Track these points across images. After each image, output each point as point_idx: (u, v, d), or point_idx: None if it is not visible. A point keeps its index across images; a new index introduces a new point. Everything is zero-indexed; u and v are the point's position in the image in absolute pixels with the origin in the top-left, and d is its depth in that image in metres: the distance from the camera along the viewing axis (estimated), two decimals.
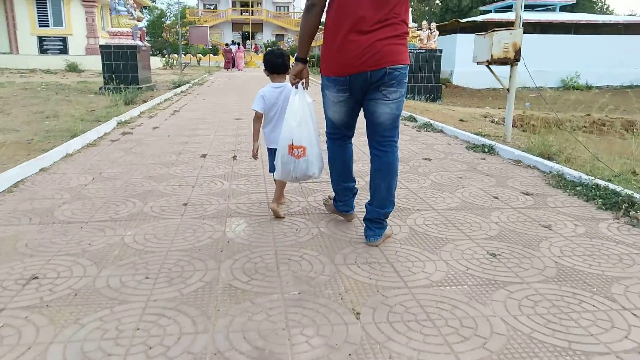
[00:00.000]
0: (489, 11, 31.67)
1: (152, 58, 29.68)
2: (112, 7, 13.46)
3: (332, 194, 3.17)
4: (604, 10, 44.26)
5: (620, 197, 3.41)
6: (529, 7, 28.64)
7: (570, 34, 23.78)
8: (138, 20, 14.18)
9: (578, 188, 3.78)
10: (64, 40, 22.19)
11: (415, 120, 7.88)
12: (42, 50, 21.71)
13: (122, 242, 2.72)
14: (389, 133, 2.66)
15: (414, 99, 15.53)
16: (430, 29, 16.23)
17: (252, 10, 52.31)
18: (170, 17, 52.74)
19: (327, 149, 2.96)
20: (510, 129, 6.17)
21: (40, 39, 21.80)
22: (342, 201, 3.09)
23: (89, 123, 6.94)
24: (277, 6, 56.29)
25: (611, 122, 12.22)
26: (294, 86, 2.78)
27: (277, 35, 53.48)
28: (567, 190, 3.79)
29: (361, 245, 2.68)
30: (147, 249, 2.62)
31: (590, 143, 5.77)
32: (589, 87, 21.91)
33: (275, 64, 3.16)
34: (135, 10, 14.02)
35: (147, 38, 48.91)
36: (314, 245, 2.68)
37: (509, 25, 12.05)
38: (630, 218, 3.17)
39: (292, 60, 2.85)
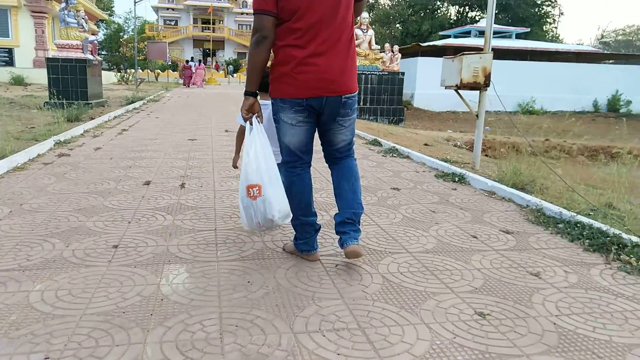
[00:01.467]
0: (448, 36, 32.41)
1: (106, 73, 28.66)
2: (61, 19, 12.68)
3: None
4: (555, 39, 46.30)
5: (608, 238, 3.11)
6: (484, 34, 29.44)
7: (526, 60, 24.48)
8: (93, 34, 13.43)
9: (560, 226, 3.47)
10: (9, 51, 20.94)
11: (380, 144, 7.56)
12: None
13: (26, 301, 2.15)
14: (346, 148, 2.82)
15: (376, 120, 15.37)
16: (393, 51, 16.21)
17: (213, 27, 51.76)
18: (128, 32, 51.47)
19: (285, 181, 2.59)
20: (479, 156, 5.91)
21: None
22: (302, 239, 2.72)
23: (24, 142, 6.23)
24: (239, 24, 55.99)
25: (570, 148, 12.40)
26: (247, 122, 2.53)
27: (239, 53, 53.09)
28: (549, 228, 3.47)
29: (326, 303, 2.22)
30: (57, 311, 2.07)
31: (556, 170, 5.58)
32: (544, 112, 22.53)
33: (263, 83, 2.97)
34: (86, 23, 13.27)
35: (104, 52, 47.67)
36: (268, 305, 2.20)
37: (468, 50, 12.10)
38: (622, 262, 2.86)
39: None
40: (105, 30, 50.17)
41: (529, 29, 34.28)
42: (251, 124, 2.51)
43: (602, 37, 68.34)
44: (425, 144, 9.18)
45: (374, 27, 41.86)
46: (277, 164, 2.56)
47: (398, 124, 15.68)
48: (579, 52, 27.82)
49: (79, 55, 12.31)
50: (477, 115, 5.85)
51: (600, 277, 2.65)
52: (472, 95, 5.88)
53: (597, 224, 3.37)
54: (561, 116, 22.27)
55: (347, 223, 2.63)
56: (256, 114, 2.52)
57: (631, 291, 2.48)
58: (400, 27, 43.72)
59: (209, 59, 48.99)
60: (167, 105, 14.85)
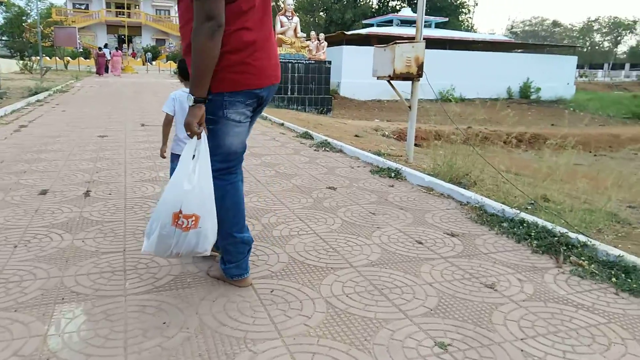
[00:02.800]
0: (371, 25, 32.71)
1: (6, 61, 25.91)
2: None
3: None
4: (470, 29, 48.37)
5: (556, 238, 2.98)
6: (406, 23, 30.01)
7: (445, 49, 25.20)
8: None
9: (504, 225, 3.31)
10: None
11: (311, 137, 7.22)
12: None
13: None
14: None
15: (305, 110, 15.03)
16: (319, 39, 15.91)
17: (128, 12, 48.74)
18: (32, 16, 47.07)
19: (218, 191, 2.15)
20: (412, 149, 5.74)
21: None
22: (235, 261, 2.29)
23: None
24: (157, 9, 53.27)
25: (490, 135, 12.79)
26: (195, 137, 2.03)
27: (157, 39, 50.55)
28: (494, 228, 3.30)
29: (262, 347, 1.83)
30: None
31: (480, 157, 5.52)
32: (462, 99, 23.37)
33: (182, 68, 2.89)
34: None
35: (4, 38, 43.20)
36: (189, 356, 1.77)
37: (394, 39, 12.04)
38: (573, 265, 2.72)
39: None
40: (4, 14, 45.48)
41: (447, 19, 35.46)
42: (199, 137, 2.02)
43: (512, 27, 72.51)
44: (356, 135, 8.98)
45: (298, 14, 41.45)
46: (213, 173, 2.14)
47: (326, 114, 15.45)
48: (494, 41, 29.15)
49: None
50: (409, 107, 5.66)
51: (555, 285, 2.47)
52: (403, 86, 5.69)
53: (541, 222, 3.25)
54: (478, 103, 23.32)
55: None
56: (202, 128, 2.03)
57: (589, 300, 2.32)
58: (323, 15, 43.61)
59: (125, 45, 46.08)
60: (77, 97, 13.56)
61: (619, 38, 72.75)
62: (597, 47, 73.57)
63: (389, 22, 31.86)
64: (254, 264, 2.57)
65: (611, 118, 21.38)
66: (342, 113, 17.93)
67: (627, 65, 61.58)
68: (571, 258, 2.77)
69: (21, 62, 23.31)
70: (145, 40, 50.27)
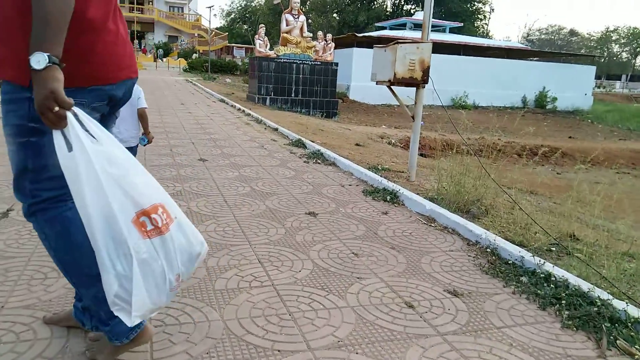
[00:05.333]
0: (384, 28, 31.95)
1: None
2: None
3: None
4: (486, 35, 47.39)
5: (594, 307, 2.20)
6: (419, 27, 29.19)
7: (459, 54, 24.35)
8: None
9: (524, 280, 2.54)
10: None
11: (304, 146, 6.47)
12: None
13: None
14: None
15: (309, 114, 14.31)
16: (326, 40, 15.18)
17: (141, 8, 48.46)
18: None
19: (54, 228, 1.54)
20: (414, 166, 4.97)
21: None
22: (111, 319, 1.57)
23: None
24: (170, 6, 52.96)
25: (503, 146, 11.94)
26: (61, 119, 1.31)
27: (170, 36, 50.22)
28: (511, 284, 2.53)
29: None
30: None
31: (495, 172, 4.74)
32: (475, 107, 22.51)
33: None
34: None
35: None
36: None
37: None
38: (620, 351, 1.95)
39: None
40: None
41: (462, 24, 34.60)
42: (63, 122, 1.29)
43: (528, 35, 71.42)
44: (357, 144, 8.21)
45: (310, 15, 40.79)
46: (30, 208, 1.46)
47: (332, 118, 14.72)
48: (510, 48, 28.20)
49: None
50: (412, 117, 4.90)
51: None
52: (408, 92, 4.94)
53: (573, 279, 2.47)
54: (492, 111, 22.41)
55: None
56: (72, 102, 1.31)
57: None
58: (337, 17, 42.95)
59: (137, 41, 45.78)
60: None
61: (638, 49, 71.20)
62: (615, 58, 72.07)
63: (402, 26, 31.07)
64: (169, 340, 1.83)
65: (632, 132, 20.38)
66: (350, 117, 17.18)
67: None
68: (618, 342, 2.00)
69: None
70: (158, 36, 49.94)
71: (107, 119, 1.71)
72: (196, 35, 47.55)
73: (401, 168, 5.54)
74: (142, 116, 3.37)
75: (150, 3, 50.90)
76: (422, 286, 2.46)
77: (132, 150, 3.44)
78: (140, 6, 48.11)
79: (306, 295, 2.27)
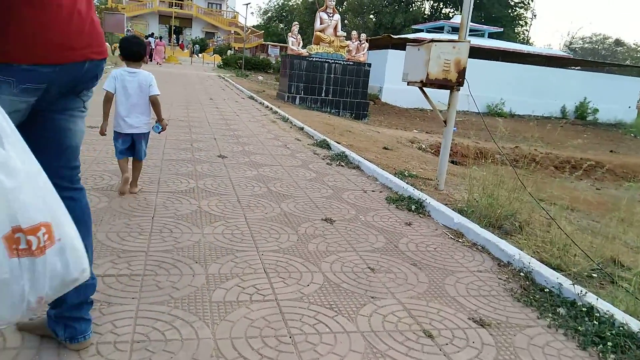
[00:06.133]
0: (421, 30, 31.38)
1: None
2: None
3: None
4: (526, 41, 46.08)
5: None
6: (457, 31, 28.54)
7: (497, 60, 23.64)
8: None
9: (561, 311, 2.22)
10: None
11: (329, 147, 6.23)
12: None
13: None
14: (78, 162, 1.68)
15: (339, 114, 14.05)
16: (360, 40, 14.90)
17: (180, 3, 49.17)
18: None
19: None
20: (444, 174, 4.65)
21: None
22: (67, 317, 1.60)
23: None
24: (208, 3, 53.56)
25: (541, 158, 11.40)
26: None
27: (207, 32, 50.79)
28: (546, 315, 2.22)
29: None
30: None
31: (532, 186, 4.37)
32: (512, 115, 21.80)
33: (132, 52, 3.25)
34: None
35: None
36: None
37: None
38: None
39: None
40: None
41: (502, 29, 33.67)
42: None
43: (571, 43, 69.28)
44: (385, 148, 7.91)
45: (346, 16, 40.48)
46: None
47: (361, 120, 14.42)
48: (550, 56, 27.25)
49: None
50: (445, 122, 4.59)
51: None
52: (440, 95, 4.64)
53: (619, 315, 2.14)
54: (529, 120, 21.62)
55: (87, 304, 1.65)
56: None
57: None
58: (373, 18, 42.54)
59: (174, 36, 46.47)
60: (102, 81, 13.06)
61: None
62: None
63: (440, 29, 30.43)
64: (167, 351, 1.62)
65: None
66: (380, 120, 16.83)
67: None
68: None
69: None
70: (195, 32, 50.59)
71: (67, 101, 1.52)
72: (232, 32, 47.95)
73: (430, 175, 5.23)
74: (154, 103, 3.40)
75: None
76: (444, 312, 2.18)
77: (144, 136, 3.44)
78: (179, 1, 48.79)
79: (312, 314, 2.02)
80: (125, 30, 35.66)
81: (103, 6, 40.92)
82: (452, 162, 8.62)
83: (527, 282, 2.54)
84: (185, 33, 51.06)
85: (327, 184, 4.31)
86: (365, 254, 2.77)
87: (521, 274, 2.63)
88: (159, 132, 3.61)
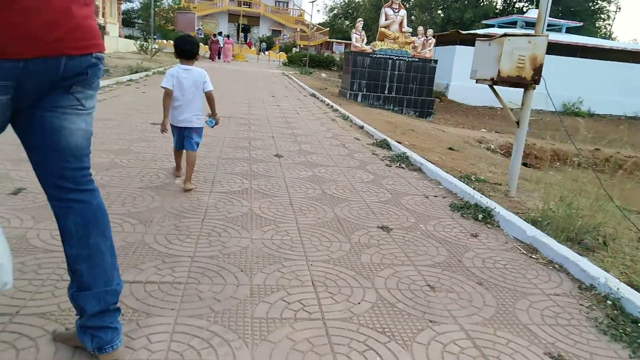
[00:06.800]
0: (492, 26, 30.02)
1: (126, 41, 27.50)
2: None
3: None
4: (608, 36, 42.92)
5: None
6: (531, 25, 26.96)
7: (576, 56, 22.10)
8: None
9: None
10: None
11: (388, 147, 5.96)
12: None
13: None
14: (86, 163, 1.54)
15: (402, 112, 13.67)
16: (426, 36, 14.40)
17: (249, 2, 50.26)
18: (165, 1, 50.57)
19: None
20: (515, 179, 4.26)
21: None
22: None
23: None
24: (276, 1, 54.37)
25: (623, 161, 10.45)
26: None
27: (273, 30, 51.61)
28: (639, 354, 1.88)
29: None
30: None
31: (614, 192, 3.86)
32: (590, 115, 20.32)
33: (185, 51, 3.37)
34: None
35: (139, 21, 46.70)
36: None
37: None
38: None
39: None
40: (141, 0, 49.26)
41: (581, 23, 31.50)
42: None
43: None
44: (450, 148, 7.50)
45: (413, 12, 39.56)
46: None
47: (426, 118, 13.94)
48: (636, 51, 25.10)
49: None
50: (517, 123, 4.20)
51: None
52: (511, 93, 4.25)
53: None
54: (610, 120, 20.06)
55: (113, 311, 1.56)
56: None
57: None
58: (441, 14, 41.28)
59: (241, 34, 47.59)
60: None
61: None
62: None
63: (513, 24, 28.93)
64: None
65: None
66: (446, 118, 16.23)
67: None
68: None
69: (137, 42, 24.45)
70: (263, 30, 51.53)
71: (57, 99, 1.42)
72: (298, 30, 48.33)
73: (499, 180, 4.84)
74: (209, 98, 3.53)
75: None
76: (514, 344, 1.89)
77: (197, 130, 3.54)
78: (248, 0, 49.87)
79: (361, 339, 1.82)
80: (196, 29, 37.02)
81: (176, 6, 42.68)
82: (525, 164, 8.04)
83: (615, 311, 2.19)
84: (253, 31, 52.14)
85: (385, 187, 4.07)
86: (424, 268, 2.52)
87: (607, 300, 2.27)
88: (212, 127, 3.74)
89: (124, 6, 42.93)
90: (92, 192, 1.55)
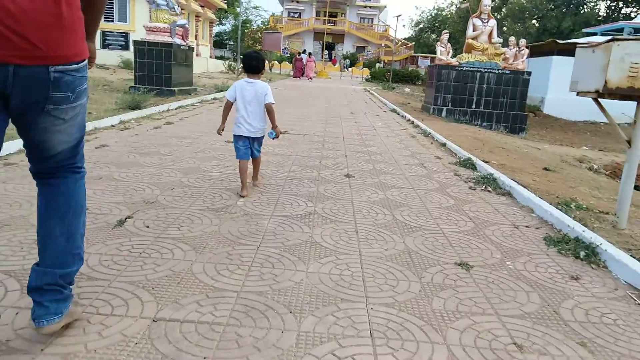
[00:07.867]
0: (594, 34, 27.68)
1: (212, 61, 28.90)
2: (150, 0, 12.15)
3: None
4: None
5: None
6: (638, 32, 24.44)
7: None
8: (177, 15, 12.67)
9: None
10: (126, 36, 21.57)
11: (474, 167, 5.44)
12: (104, 45, 21.17)
13: None
14: (71, 160, 1.69)
15: (491, 128, 12.82)
16: (518, 46, 13.48)
17: (334, 20, 51.06)
18: (255, 23, 52.93)
19: None
20: (627, 207, 3.61)
21: (104, 34, 21.30)
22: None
23: None
24: (361, 17, 54.71)
25: None
26: None
27: (357, 47, 51.88)
28: None
29: None
30: None
31: None
32: None
33: (250, 65, 3.60)
34: (177, 6, 12.60)
35: (230, 42, 49.21)
36: None
37: None
38: None
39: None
40: (232, 22, 51.93)
41: None
42: None
43: None
44: (546, 169, 6.76)
45: (505, 23, 37.71)
46: None
47: (518, 134, 12.97)
48: None
49: (166, 39, 11.66)
50: (628, 142, 3.57)
51: None
52: (618, 106, 3.63)
53: None
54: None
55: (48, 291, 1.62)
56: None
57: None
58: (536, 24, 38.98)
59: (327, 52, 48.35)
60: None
61: None
62: None
63: (619, 31, 26.40)
64: None
65: None
66: (542, 134, 15.03)
67: None
68: None
69: (226, 62, 25.58)
70: (347, 47, 52.01)
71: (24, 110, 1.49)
72: (383, 45, 48.15)
73: (605, 207, 4.16)
74: (269, 111, 3.68)
75: (344, 15, 53.23)
76: None
77: (259, 140, 3.79)
78: (333, 18, 50.64)
79: None
80: (282, 48, 38.16)
81: (264, 26, 44.40)
82: (636, 188, 7.05)
83: None
84: (337, 48, 52.77)
85: (467, 215, 3.62)
86: (510, 320, 2.07)
87: None
88: (273, 139, 3.84)
89: (216, 28, 45.49)
90: (64, 178, 1.65)
